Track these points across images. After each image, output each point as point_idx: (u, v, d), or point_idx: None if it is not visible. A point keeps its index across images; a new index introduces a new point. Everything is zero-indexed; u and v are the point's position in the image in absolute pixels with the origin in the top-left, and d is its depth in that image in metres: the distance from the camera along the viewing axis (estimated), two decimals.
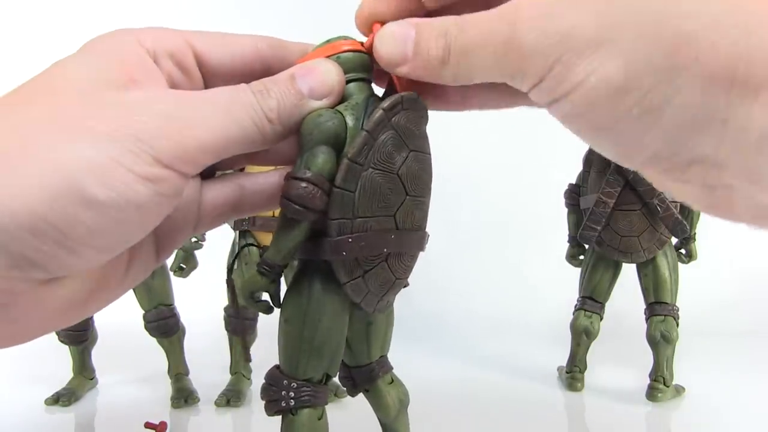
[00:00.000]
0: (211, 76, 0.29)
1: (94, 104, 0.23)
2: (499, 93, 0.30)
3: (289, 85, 0.27)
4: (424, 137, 0.31)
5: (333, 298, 0.30)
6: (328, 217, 0.28)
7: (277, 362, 0.31)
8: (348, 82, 0.29)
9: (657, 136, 0.22)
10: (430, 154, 0.31)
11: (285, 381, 0.30)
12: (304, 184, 0.27)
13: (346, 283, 0.29)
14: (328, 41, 0.29)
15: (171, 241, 0.29)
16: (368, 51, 0.29)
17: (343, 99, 0.29)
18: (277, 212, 0.66)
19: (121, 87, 0.24)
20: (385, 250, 0.30)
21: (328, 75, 0.28)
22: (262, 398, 0.31)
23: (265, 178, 0.31)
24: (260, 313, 0.68)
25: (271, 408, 0.31)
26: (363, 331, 0.33)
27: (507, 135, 1.08)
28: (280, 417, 0.31)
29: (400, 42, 0.27)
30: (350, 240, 0.28)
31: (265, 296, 0.30)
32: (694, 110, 0.21)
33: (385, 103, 0.28)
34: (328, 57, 0.29)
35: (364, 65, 0.29)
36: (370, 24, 0.29)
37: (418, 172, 0.30)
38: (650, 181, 0.25)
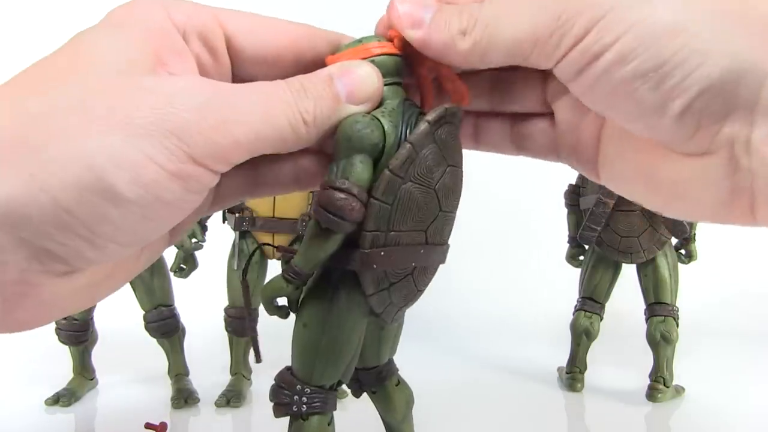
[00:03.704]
0: (239, 60, 0.28)
1: (127, 91, 0.22)
2: (510, 136, 0.31)
3: (327, 87, 0.26)
4: (460, 150, 0.30)
5: (354, 307, 0.29)
6: (363, 229, 0.27)
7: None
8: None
9: (700, 77, 0.22)
10: (462, 167, 0.30)
11: (298, 386, 0.30)
12: (342, 195, 0.26)
13: (372, 294, 0.29)
14: (359, 41, 0.28)
15: (183, 224, 0.28)
16: (401, 53, 0.28)
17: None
18: (277, 212, 0.66)
19: (151, 70, 0.23)
20: (414, 264, 0.29)
21: (368, 80, 0.27)
22: (272, 400, 0.31)
23: (280, 162, 0.30)
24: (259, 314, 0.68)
25: (281, 411, 0.30)
26: (376, 335, 0.33)
27: None
28: (281, 418, 0.31)
29: (421, 7, 0.26)
30: (382, 253, 0.27)
31: (282, 301, 0.29)
32: (742, 60, 0.21)
33: (431, 116, 0.27)
34: (361, 60, 0.27)
35: (397, 69, 0.28)
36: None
37: (453, 187, 0.30)
38: (670, 168, 0.25)
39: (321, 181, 0.27)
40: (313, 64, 0.28)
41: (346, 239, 0.27)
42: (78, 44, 0.24)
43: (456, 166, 0.30)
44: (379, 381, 0.35)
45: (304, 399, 0.30)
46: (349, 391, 0.36)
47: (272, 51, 0.28)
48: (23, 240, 0.21)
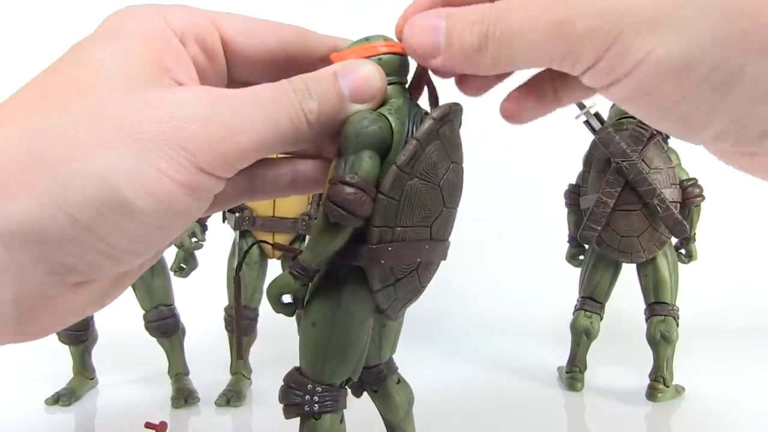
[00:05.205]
0: (235, 62, 0.28)
1: (134, 106, 0.23)
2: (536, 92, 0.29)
3: (330, 86, 0.26)
4: (460, 147, 0.30)
5: (362, 303, 0.29)
6: (371, 224, 0.27)
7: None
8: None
9: (726, 110, 0.21)
10: (463, 164, 0.31)
11: (309, 385, 0.30)
12: (352, 190, 0.26)
13: (379, 290, 0.29)
14: (366, 39, 0.28)
15: None
16: (406, 53, 0.28)
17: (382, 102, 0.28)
18: (277, 212, 0.66)
19: (156, 79, 0.24)
20: (419, 259, 0.29)
21: (371, 78, 0.27)
22: (281, 401, 0.31)
23: (277, 167, 0.30)
24: (259, 314, 0.68)
25: (292, 412, 0.30)
26: (377, 332, 0.33)
27: (507, 134, 1.08)
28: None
29: (432, 32, 0.26)
30: (389, 249, 0.28)
31: (288, 298, 0.30)
32: (765, 81, 0.20)
33: (435, 113, 0.28)
34: (367, 58, 0.27)
35: (402, 68, 0.28)
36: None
37: (455, 183, 0.30)
38: (716, 156, 0.25)
39: (317, 186, 0.27)
40: (308, 65, 0.28)
41: (353, 235, 0.27)
42: (79, 57, 0.24)
43: (458, 162, 0.30)
44: (379, 380, 0.35)
45: (316, 398, 0.30)
46: (349, 391, 0.36)
47: (266, 52, 0.28)
48: (43, 257, 0.21)
